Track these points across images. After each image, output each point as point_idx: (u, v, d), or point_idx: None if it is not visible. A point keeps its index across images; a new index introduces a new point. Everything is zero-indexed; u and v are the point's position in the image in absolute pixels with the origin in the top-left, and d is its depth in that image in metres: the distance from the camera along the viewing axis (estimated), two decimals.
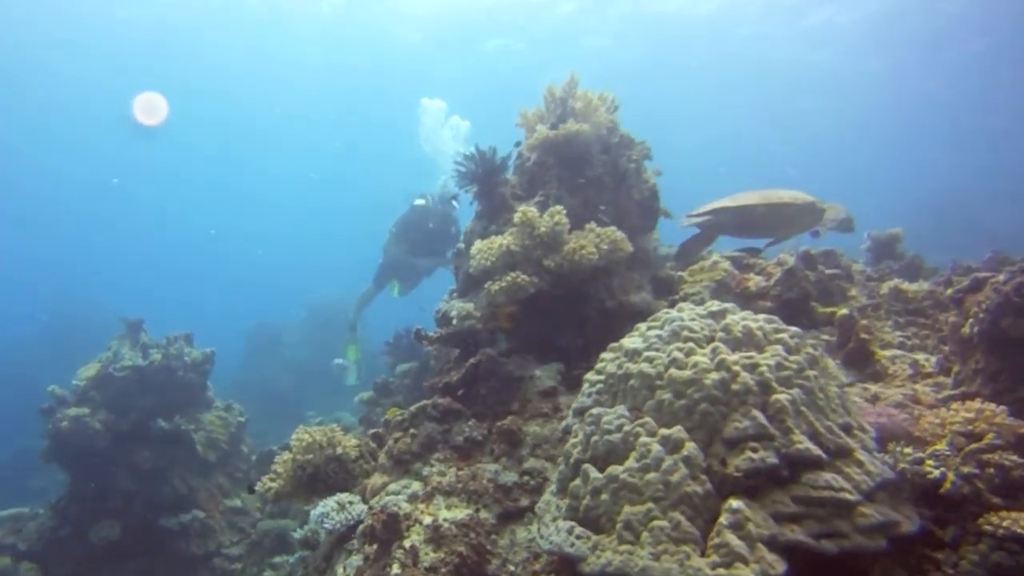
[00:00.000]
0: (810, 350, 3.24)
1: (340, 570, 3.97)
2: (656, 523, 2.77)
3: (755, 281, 4.94)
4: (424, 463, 4.15)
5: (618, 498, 2.92)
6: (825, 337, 4.56)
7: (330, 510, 4.15)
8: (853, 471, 2.84)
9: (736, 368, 3.01)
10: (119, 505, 8.95)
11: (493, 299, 4.40)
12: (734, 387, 2.97)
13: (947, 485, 2.90)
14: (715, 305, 3.49)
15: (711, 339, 3.26)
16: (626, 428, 3.09)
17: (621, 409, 3.21)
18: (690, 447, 2.89)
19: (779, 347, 3.14)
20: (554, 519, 3.15)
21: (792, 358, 3.11)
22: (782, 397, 2.92)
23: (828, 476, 2.78)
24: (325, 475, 4.50)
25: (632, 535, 2.80)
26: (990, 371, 3.58)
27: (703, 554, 2.69)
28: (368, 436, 4.82)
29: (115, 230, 48.28)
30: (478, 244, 4.62)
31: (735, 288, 4.91)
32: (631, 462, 2.98)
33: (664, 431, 2.97)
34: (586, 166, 4.93)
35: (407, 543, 3.61)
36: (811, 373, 3.09)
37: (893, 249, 6.87)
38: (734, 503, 2.74)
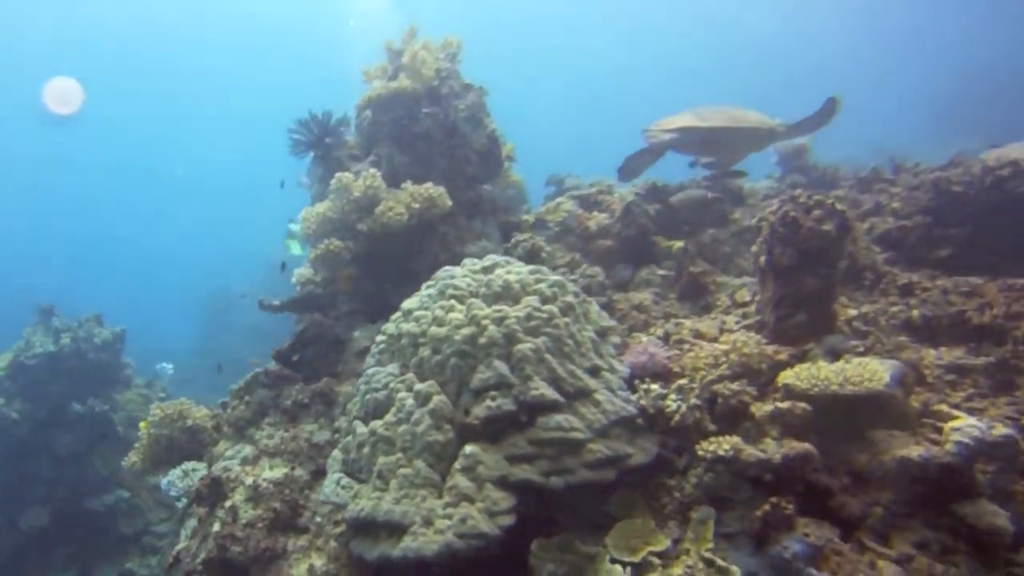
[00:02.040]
0: (569, 298, 3.79)
1: (183, 533, 4.67)
2: (402, 471, 3.40)
3: (597, 220, 5.44)
4: (257, 428, 4.81)
5: (375, 450, 3.54)
6: (661, 272, 5.08)
7: (175, 478, 4.83)
8: (588, 411, 3.43)
9: (485, 322, 3.58)
10: (44, 492, 9.81)
11: (314, 266, 4.96)
12: (482, 340, 3.54)
13: (676, 417, 3.48)
14: (489, 260, 4.04)
15: (475, 294, 3.81)
16: (391, 385, 3.69)
17: (392, 367, 3.80)
18: (437, 400, 3.49)
19: (534, 298, 3.70)
20: (334, 472, 3.78)
21: (545, 308, 3.66)
22: (524, 347, 3.49)
23: (560, 418, 3.36)
24: (179, 446, 5.17)
25: (383, 483, 3.44)
26: (776, 298, 4.11)
27: (440, 496, 3.31)
28: (219, 405, 5.47)
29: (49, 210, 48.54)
30: (303, 212, 5.16)
31: (577, 229, 5.41)
32: (389, 416, 3.59)
33: (418, 386, 3.57)
34: (413, 122, 5.41)
35: (228, 503, 4.27)
36: (562, 321, 3.65)
37: (802, 161, 7.29)
38: (468, 448, 3.34)
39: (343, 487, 3.58)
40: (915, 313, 4.67)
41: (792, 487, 3.24)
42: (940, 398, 4.05)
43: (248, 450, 4.68)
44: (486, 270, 3.97)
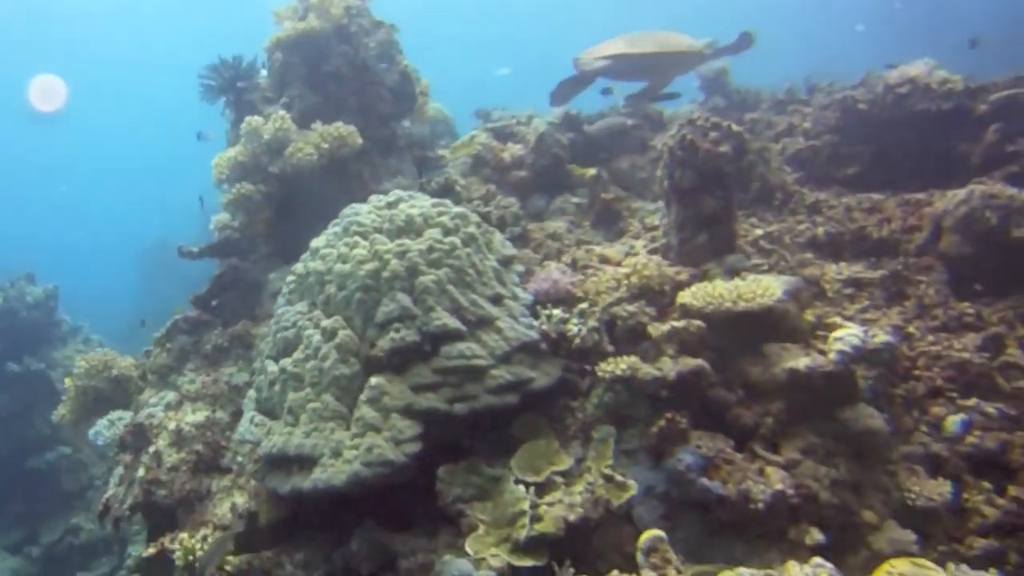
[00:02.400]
0: (471, 229, 3.87)
1: (112, 480, 4.73)
2: (311, 405, 3.49)
3: (511, 151, 5.49)
4: (179, 374, 4.88)
5: (286, 387, 3.62)
6: (575, 200, 5.16)
7: (102, 428, 4.89)
8: (491, 338, 3.53)
9: (388, 256, 3.64)
10: None
11: (229, 210, 4.96)
12: (385, 275, 3.61)
13: (577, 340, 3.59)
14: (393, 195, 4.09)
15: (379, 230, 3.85)
16: (299, 323, 3.76)
17: (301, 306, 3.86)
18: (342, 334, 3.56)
19: (436, 231, 3.76)
20: (248, 411, 3.85)
21: (447, 240, 3.73)
22: (426, 279, 3.57)
23: (463, 346, 3.46)
24: (106, 396, 5.21)
25: (294, 418, 3.53)
26: (679, 220, 4.21)
27: (348, 428, 3.41)
28: (144, 354, 5.49)
29: None
30: (215, 158, 5.14)
31: (492, 161, 5.46)
32: (297, 353, 3.67)
33: (325, 322, 3.63)
34: (323, 62, 5.40)
35: (152, 448, 4.34)
36: (463, 252, 3.72)
37: (722, 84, 7.34)
38: (373, 380, 3.44)
39: (256, 425, 3.66)
40: (820, 231, 4.83)
41: (687, 402, 3.40)
42: (836, 311, 4.25)
43: (171, 396, 4.74)
44: (390, 205, 4.02)
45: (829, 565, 2.58)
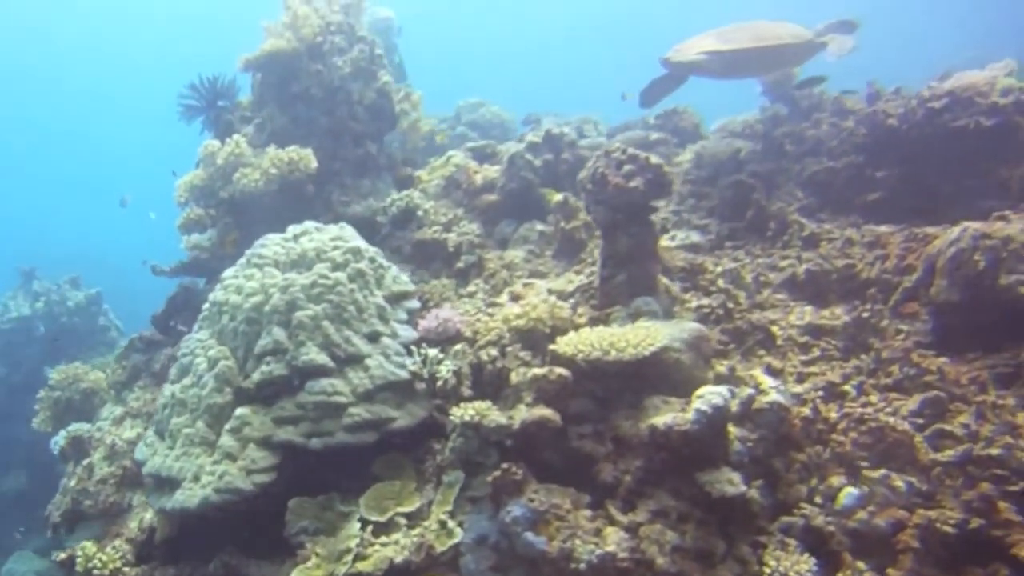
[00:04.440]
0: (361, 264, 4.69)
1: (61, 486, 6.00)
2: (186, 431, 4.43)
3: (485, 173, 6.24)
4: (130, 390, 6.06)
5: (172, 411, 4.59)
6: (540, 228, 5.88)
7: (60, 438, 6.17)
8: (356, 376, 4.34)
9: (272, 290, 4.52)
10: (23, 456, 11.67)
11: (181, 232, 6.13)
12: (266, 308, 4.48)
13: (440, 382, 4.38)
14: (302, 227, 5.01)
15: (277, 263, 4.81)
16: (195, 351, 4.76)
17: (202, 333, 4.85)
18: (223, 364, 4.50)
19: (324, 265, 4.61)
20: (148, 431, 4.93)
21: (332, 275, 4.56)
22: (302, 314, 4.41)
23: (326, 382, 4.27)
24: (75, 407, 6.53)
25: (173, 441, 4.50)
26: (603, 257, 4.73)
27: (213, 454, 4.40)
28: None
29: None
30: (177, 181, 6.30)
31: (464, 184, 6.26)
32: (186, 380, 4.66)
33: (211, 351, 4.62)
34: (292, 82, 6.37)
35: (86, 461, 5.53)
36: (347, 288, 4.55)
37: (787, 90, 7.49)
38: (239, 411, 4.32)
39: (147, 445, 4.66)
40: (800, 268, 5.27)
41: (536, 452, 4.04)
42: (778, 361, 4.70)
43: (119, 411, 5.94)
44: (296, 237, 4.91)
45: None
